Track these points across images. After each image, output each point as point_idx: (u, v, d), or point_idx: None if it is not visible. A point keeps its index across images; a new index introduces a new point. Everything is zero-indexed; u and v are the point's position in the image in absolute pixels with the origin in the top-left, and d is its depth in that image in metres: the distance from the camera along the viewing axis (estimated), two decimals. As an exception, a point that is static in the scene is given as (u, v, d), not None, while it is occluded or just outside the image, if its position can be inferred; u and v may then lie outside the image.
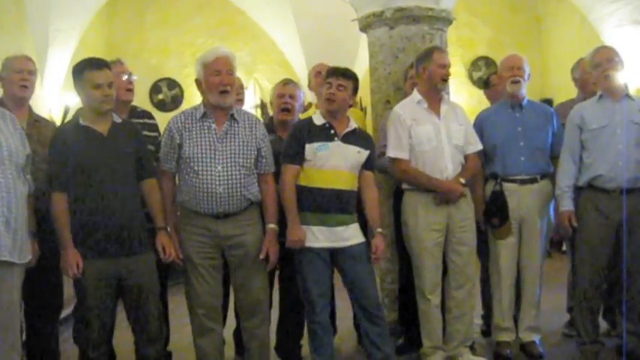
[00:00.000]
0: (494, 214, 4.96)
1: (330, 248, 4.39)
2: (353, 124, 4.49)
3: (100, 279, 4.02)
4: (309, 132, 4.39)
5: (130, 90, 4.80)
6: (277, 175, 4.46)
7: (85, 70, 4.07)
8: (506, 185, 4.98)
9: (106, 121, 4.14)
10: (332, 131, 4.41)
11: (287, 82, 5.02)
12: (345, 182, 4.41)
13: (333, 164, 4.37)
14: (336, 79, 4.42)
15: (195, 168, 4.18)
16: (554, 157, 5.04)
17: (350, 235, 4.44)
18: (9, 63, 4.47)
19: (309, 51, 11.11)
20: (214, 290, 4.36)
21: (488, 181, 5.07)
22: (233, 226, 4.27)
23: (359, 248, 4.46)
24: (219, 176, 4.17)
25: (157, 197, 4.25)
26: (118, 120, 4.21)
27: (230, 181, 4.19)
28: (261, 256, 4.30)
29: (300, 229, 4.32)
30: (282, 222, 4.39)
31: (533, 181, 5.01)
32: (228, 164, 4.20)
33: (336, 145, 4.39)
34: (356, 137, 4.48)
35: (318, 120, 4.46)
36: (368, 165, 4.53)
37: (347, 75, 4.47)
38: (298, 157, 4.38)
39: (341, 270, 4.50)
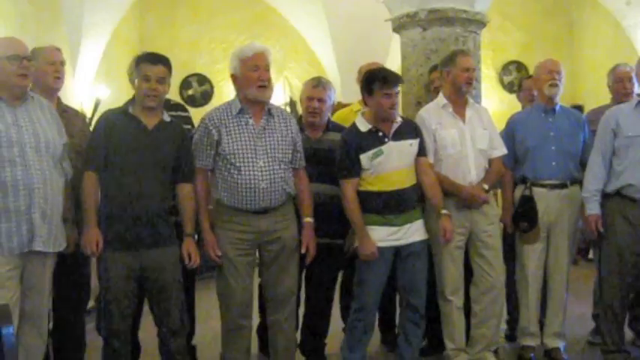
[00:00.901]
0: (523, 218, 4.93)
1: (396, 246, 4.42)
2: (398, 118, 4.48)
3: (123, 270, 4.04)
4: (359, 142, 4.38)
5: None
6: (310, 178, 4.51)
7: (141, 61, 4.13)
8: (536, 190, 4.95)
9: (154, 117, 4.16)
10: (380, 134, 4.40)
11: (316, 85, 4.92)
12: (405, 180, 4.42)
13: (391, 166, 4.38)
14: (394, 88, 4.39)
15: (237, 164, 4.18)
16: (583, 164, 5.00)
17: (414, 231, 4.46)
18: (40, 54, 4.44)
19: (339, 50, 11.13)
20: (248, 287, 4.37)
21: (518, 185, 5.04)
22: (273, 221, 4.28)
23: (421, 245, 4.49)
24: (261, 171, 4.18)
25: (191, 204, 4.23)
26: (168, 119, 4.23)
27: (272, 176, 4.20)
28: (303, 251, 4.33)
29: (370, 243, 4.34)
30: (324, 220, 4.43)
31: (562, 186, 4.97)
32: (269, 159, 4.21)
33: (389, 147, 4.38)
34: (403, 131, 4.46)
35: (364, 126, 4.44)
36: (421, 151, 4.53)
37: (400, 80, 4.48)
38: (355, 170, 4.39)
39: (400, 266, 4.50)
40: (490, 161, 4.82)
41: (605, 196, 4.74)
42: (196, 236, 4.32)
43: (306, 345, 5.04)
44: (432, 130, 4.70)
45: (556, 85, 5.00)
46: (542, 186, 4.95)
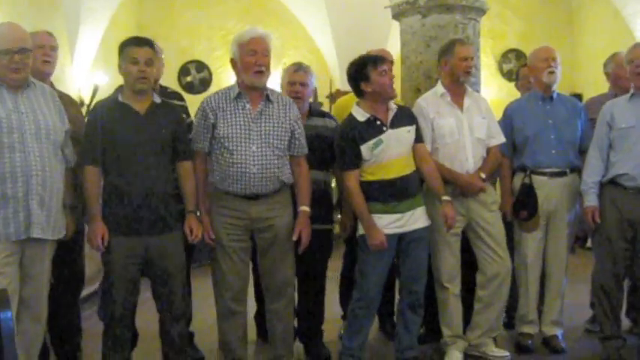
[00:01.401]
0: (523, 206, 4.94)
1: (399, 233, 4.41)
2: (393, 105, 4.49)
3: (127, 256, 4.05)
4: (359, 132, 4.38)
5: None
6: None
7: (126, 45, 4.11)
8: (536, 178, 4.95)
9: (145, 101, 4.15)
10: (378, 122, 4.40)
11: (297, 69, 4.93)
12: (405, 166, 4.42)
13: (392, 154, 4.38)
14: (389, 63, 4.46)
15: (230, 147, 4.18)
16: (582, 152, 5.02)
17: (417, 218, 4.45)
18: (31, 39, 4.44)
19: (339, 37, 11.13)
20: (242, 272, 4.37)
21: (517, 173, 5.04)
22: (264, 208, 4.27)
23: (423, 231, 4.49)
24: (253, 156, 4.17)
25: (191, 181, 4.24)
26: (158, 100, 4.23)
27: (264, 162, 4.19)
28: (294, 238, 4.30)
29: (378, 232, 4.32)
30: (312, 206, 4.40)
31: (562, 174, 4.98)
32: (263, 145, 4.20)
33: (388, 135, 4.38)
34: (400, 117, 4.47)
35: (361, 115, 4.44)
36: (418, 138, 4.53)
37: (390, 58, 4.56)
38: (356, 161, 4.39)
39: (402, 252, 4.50)
40: (488, 150, 4.82)
41: (601, 186, 4.77)
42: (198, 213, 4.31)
43: (304, 332, 5.04)
44: (430, 118, 4.70)
45: (554, 73, 5.00)
46: (543, 174, 4.96)
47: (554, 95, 5.08)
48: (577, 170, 5.01)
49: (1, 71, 3.76)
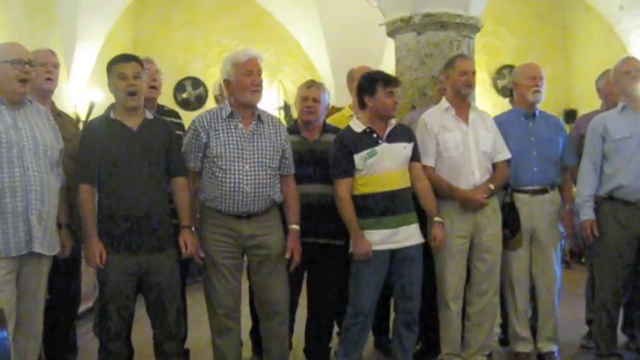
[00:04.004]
0: (505, 225, 4.89)
1: (391, 250, 4.42)
2: (392, 122, 4.51)
3: (122, 273, 4.05)
4: (353, 142, 4.42)
5: (154, 87, 4.80)
6: (299, 177, 4.53)
7: (114, 63, 4.16)
8: (518, 196, 4.93)
9: (137, 117, 4.18)
10: (374, 135, 4.43)
11: (310, 85, 4.99)
12: (398, 181, 4.43)
13: (385, 167, 4.40)
14: (396, 87, 4.47)
15: (223, 167, 4.19)
16: (563, 168, 5.05)
17: (409, 235, 4.46)
18: (33, 57, 4.47)
19: (334, 54, 11.17)
20: (235, 290, 4.37)
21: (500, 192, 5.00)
22: (255, 227, 4.28)
23: (417, 249, 4.49)
24: (247, 175, 4.19)
25: (185, 196, 4.26)
26: (150, 117, 4.25)
27: (257, 181, 4.20)
28: (287, 256, 4.31)
29: (365, 241, 4.35)
30: (304, 222, 4.41)
31: (544, 191, 4.96)
32: (256, 164, 4.22)
33: (383, 147, 4.41)
34: (398, 133, 4.50)
35: (358, 127, 4.48)
36: (415, 157, 4.56)
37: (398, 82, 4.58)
38: (349, 170, 4.41)
39: (395, 270, 4.50)
40: (494, 165, 4.83)
41: (599, 200, 4.77)
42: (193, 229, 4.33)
43: (310, 350, 5.01)
44: (435, 133, 4.72)
45: (539, 92, 5.01)
46: (524, 192, 4.94)
47: (537, 113, 5.09)
48: (557, 186, 5.02)
49: (7, 83, 3.77)
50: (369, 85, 4.46)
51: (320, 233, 4.60)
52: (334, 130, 4.91)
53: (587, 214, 4.77)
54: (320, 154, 4.69)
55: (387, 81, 4.45)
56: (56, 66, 4.60)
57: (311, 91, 4.91)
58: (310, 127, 4.85)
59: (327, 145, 4.75)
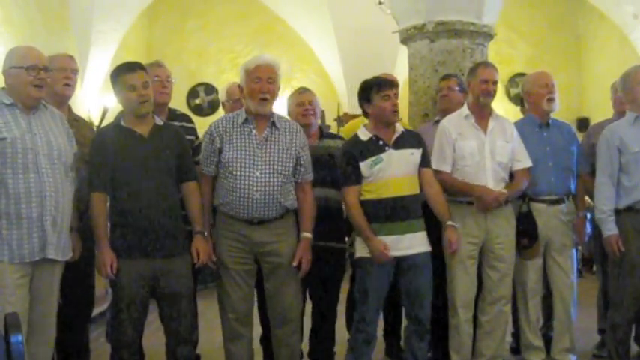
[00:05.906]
0: (523, 234, 4.89)
1: (397, 256, 4.40)
2: (400, 128, 4.51)
3: (135, 278, 4.06)
4: (360, 150, 4.41)
5: (164, 92, 4.79)
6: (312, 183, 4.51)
7: (119, 73, 4.14)
8: (535, 205, 4.92)
9: (147, 124, 4.19)
10: (380, 142, 4.43)
11: (303, 91, 5.02)
12: (405, 188, 4.42)
13: (392, 174, 4.39)
14: (394, 89, 4.46)
15: (234, 172, 4.19)
16: (576, 176, 5.04)
17: (415, 242, 4.44)
18: (52, 61, 4.39)
19: (347, 61, 11.18)
20: (247, 296, 4.37)
21: (514, 201, 4.97)
22: (267, 233, 4.28)
23: (424, 257, 4.46)
24: (257, 182, 4.18)
25: (197, 201, 4.27)
26: (160, 123, 4.26)
27: (267, 188, 4.20)
28: (294, 263, 4.29)
29: (379, 242, 4.32)
30: (316, 230, 4.41)
31: (560, 201, 4.96)
32: (267, 171, 4.21)
33: (389, 154, 4.40)
34: (406, 140, 4.49)
35: (364, 135, 4.48)
36: (424, 163, 4.54)
37: (396, 83, 4.56)
38: (356, 178, 4.41)
39: (402, 278, 4.48)
40: (514, 173, 4.81)
41: (617, 213, 4.70)
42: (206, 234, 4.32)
43: (315, 352, 5.02)
44: (452, 140, 4.72)
45: (554, 100, 4.99)
46: (542, 202, 4.93)
47: (550, 121, 5.07)
48: (571, 196, 5.01)
49: (22, 88, 3.78)
50: (364, 92, 4.49)
51: (320, 236, 4.54)
52: (332, 136, 4.95)
53: (610, 228, 4.68)
54: (322, 159, 4.69)
55: (380, 85, 4.44)
56: (75, 72, 4.59)
57: (306, 95, 4.96)
58: (308, 130, 4.82)
59: (325, 150, 4.79)
